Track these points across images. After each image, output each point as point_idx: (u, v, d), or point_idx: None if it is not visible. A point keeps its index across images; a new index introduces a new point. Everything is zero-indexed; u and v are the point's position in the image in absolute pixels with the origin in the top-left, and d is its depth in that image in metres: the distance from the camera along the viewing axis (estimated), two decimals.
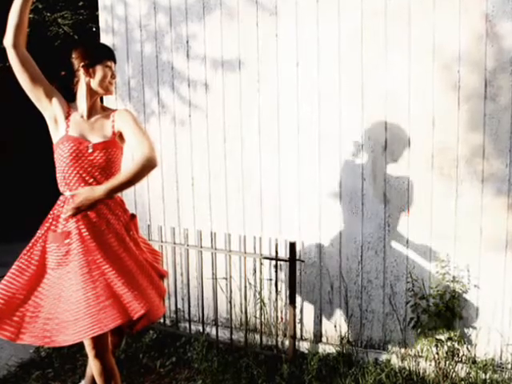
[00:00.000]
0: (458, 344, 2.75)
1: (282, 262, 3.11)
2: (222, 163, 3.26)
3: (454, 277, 2.79)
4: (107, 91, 2.17)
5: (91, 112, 2.16)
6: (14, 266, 2.05)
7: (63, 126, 2.10)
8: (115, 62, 2.20)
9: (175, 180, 3.41)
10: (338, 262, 3.06)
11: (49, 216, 2.11)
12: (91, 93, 2.14)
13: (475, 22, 2.62)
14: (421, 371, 2.81)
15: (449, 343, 2.74)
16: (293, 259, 2.96)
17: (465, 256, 2.77)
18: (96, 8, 3.65)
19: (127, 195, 3.41)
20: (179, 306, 3.46)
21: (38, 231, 2.09)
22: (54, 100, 2.10)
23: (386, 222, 2.92)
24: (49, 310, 1.99)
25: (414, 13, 2.73)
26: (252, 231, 3.21)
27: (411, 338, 2.92)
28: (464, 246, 2.77)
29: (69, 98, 2.17)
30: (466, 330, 2.80)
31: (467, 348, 2.79)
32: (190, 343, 3.19)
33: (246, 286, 3.19)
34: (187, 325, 3.36)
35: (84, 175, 2.08)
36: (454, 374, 2.72)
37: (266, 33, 3.05)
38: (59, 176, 2.12)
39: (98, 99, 2.21)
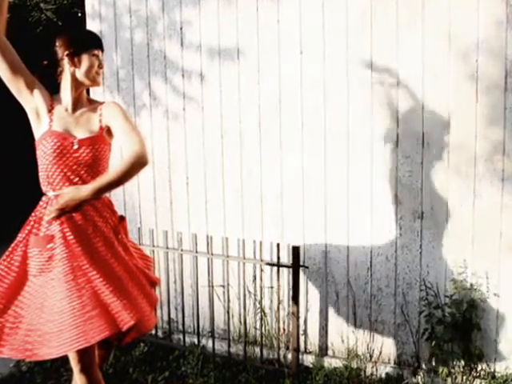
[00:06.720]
0: (476, 358, 2.75)
1: (284, 269, 3.11)
2: (219, 161, 3.26)
3: (471, 284, 2.79)
4: (94, 82, 2.17)
5: (76, 105, 2.15)
6: None
7: (46, 120, 2.10)
8: (103, 51, 2.20)
9: (168, 179, 3.41)
10: (345, 269, 3.06)
11: (30, 218, 2.11)
12: (76, 84, 2.14)
13: (495, 6, 2.62)
14: None
15: (466, 357, 2.74)
16: (296, 265, 2.96)
17: (483, 261, 2.77)
18: None
19: (116, 195, 3.41)
20: (172, 316, 3.47)
21: (19, 235, 2.09)
22: (36, 92, 2.10)
23: (397, 224, 2.92)
24: (30, 320, 1.99)
25: None
26: (252, 235, 3.21)
27: (425, 350, 2.92)
28: (482, 250, 2.77)
29: (52, 90, 2.17)
30: (484, 343, 2.80)
31: (486, 362, 2.79)
32: (184, 357, 3.19)
33: (245, 295, 3.19)
34: (181, 337, 3.36)
35: (69, 174, 2.08)
36: None
37: (266, 18, 3.05)
38: (42, 175, 2.12)
39: (84, 91, 2.21)
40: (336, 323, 3.12)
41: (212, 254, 3.20)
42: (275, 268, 3.11)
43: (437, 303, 2.83)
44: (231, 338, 3.27)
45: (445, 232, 2.83)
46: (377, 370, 2.98)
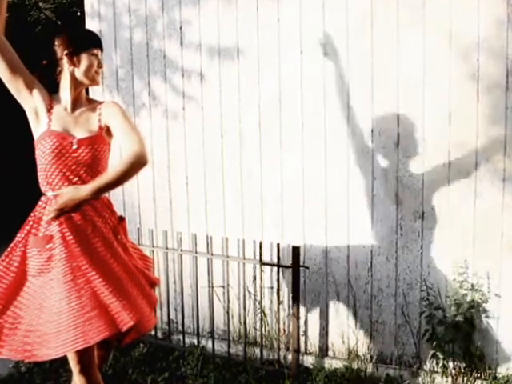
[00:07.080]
0: (477, 358, 2.75)
1: (284, 269, 3.11)
2: (219, 160, 3.26)
3: (472, 285, 2.79)
4: (93, 82, 2.17)
5: (76, 104, 2.15)
6: None
7: (45, 119, 2.10)
8: (102, 50, 2.20)
9: (167, 179, 3.41)
10: (345, 269, 3.06)
11: (29, 218, 2.11)
12: (76, 83, 2.14)
13: (496, 6, 2.62)
14: None
15: (467, 357, 2.74)
16: (296, 265, 2.96)
17: (484, 262, 2.77)
18: None
19: (115, 195, 3.41)
20: (172, 316, 3.46)
21: (18, 235, 2.09)
22: (35, 91, 2.10)
23: (398, 224, 2.92)
24: (29, 321, 1.99)
25: None
26: (252, 235, 3.21)
27: (426, 351, 2.92)
28: (483, 250, 2.77)
29: (51, 89, 2.17)
30: (485, 343, 2.80)
31: (487, 363, 2.79)
32: (184, 357, 3.19)
33: (245, 295, 3.19)
34: (181, 337, 3.36)
35: (68, 174, 2.08)
36: None
37: (266, 18, 3.05)
38: (41, 175, 2.12)
39: (83, 90, 2.21)
40: (336, 324, 3.12)
41: (212, 255, 3.19)
42: (275, 268, 3.11)
43: (438, 304, 2.83)
44: (231, 338, 3.27)
45: (446, 232, 2.83)
46: (377, 370, 2.98)
